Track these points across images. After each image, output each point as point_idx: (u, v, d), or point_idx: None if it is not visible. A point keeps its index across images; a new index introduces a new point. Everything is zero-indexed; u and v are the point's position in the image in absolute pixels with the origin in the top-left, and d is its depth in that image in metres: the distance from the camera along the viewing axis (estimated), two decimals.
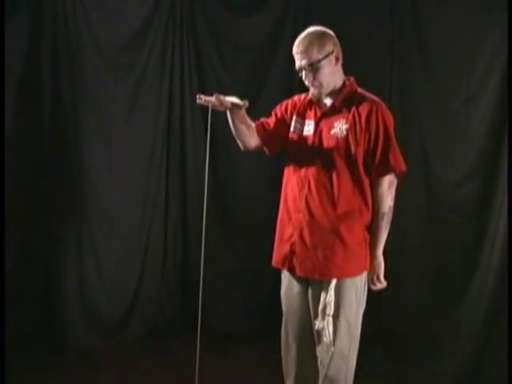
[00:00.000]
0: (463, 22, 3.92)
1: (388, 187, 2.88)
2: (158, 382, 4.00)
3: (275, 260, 3.09)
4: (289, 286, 3.08)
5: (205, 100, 2.91)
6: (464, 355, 3.86)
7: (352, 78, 2.99)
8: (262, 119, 3.17)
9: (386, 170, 2.87)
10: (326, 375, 2.90)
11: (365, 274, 2.94)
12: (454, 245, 4.00)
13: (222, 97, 2.92)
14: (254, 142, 3.13)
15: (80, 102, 4.41)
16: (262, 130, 3.13)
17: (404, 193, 4.06)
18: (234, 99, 2.96)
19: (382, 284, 2.93)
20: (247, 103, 2.95)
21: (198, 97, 2.92)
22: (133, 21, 4.57)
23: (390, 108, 4.13)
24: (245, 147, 3.15)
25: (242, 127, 3.06)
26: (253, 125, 3.12)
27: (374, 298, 4.01)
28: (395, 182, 2.90)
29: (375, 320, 4.18)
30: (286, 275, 3.09)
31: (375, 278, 2.92)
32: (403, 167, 2.89)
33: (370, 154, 2.87)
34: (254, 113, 4.69)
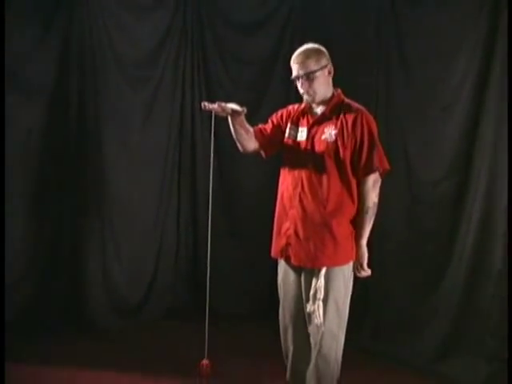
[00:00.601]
0: (440, 39, 4.14)
1: (372, 185, 3.04)
2: (171, 358, 4.20)
3: (274, 251, 3.25)
4: (285, 274, 3.24)
5: (208, 107, 3.09)
6: (440, 333, 4.08)
7: (339, 90, 3.15)
8: (260, 125, 3.31)
9: (371, 169, 3.02)
10: (318, 352, 3.08)
11: (351, 264, 3.11)
12: (432, 238, 4.21)
13: (223, 104, 3.09)
14: (252, 146, 3.27)
15: (102, 110, 4.65)
16: (260, 135, 3.27)
17: (388, 192, 4.18)
18: (234, 106, 3.12)
19: (366, 272, 3.10)
20: (245, 110, 3.12)
21: (202, 104, 3.11)
22: (149, 40, 4.83)
23: (375, 116, 4.26)
24: (243, 149, 3.28)
25: (242, 131, 3.20)
26: (251, 130, 3.25)
27: (362, 285, 4.21)
28: (379, 180, 3.07)
29: (363, 303, 4.43)
30: (282, 265, 3.25)
31: (359, 267, 3.08)
32: (387, 166, 3.07)
33: (356, 156, 3.02)
34: (255, 120, 4.92)
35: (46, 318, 4.51)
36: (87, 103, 4.63)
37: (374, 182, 3.07)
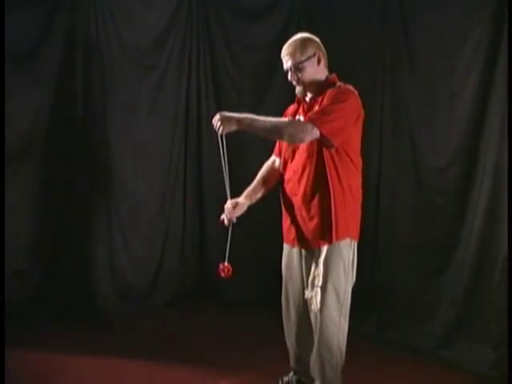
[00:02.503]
0: (446, 27, 4.10)
1: (293, 122, 3.00)
2: (178, 345, 4.24)
3: (285, 238, 3.30)
4: (289, 257, 3.29)
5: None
6: (446, 319, 4.09)
7: (334, 75, 3.14)
8: (276, 147, 3.36)
9: (308, 116, 2.96)
10: (320, 338, 3.10)
11: (352, 252, 3.11)
12: (439, 223, 4.19)
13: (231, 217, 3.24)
14: (279, 175, 3.30)
15: (109, 98, 4.69)
16: (280, 153, 3.32)
17: (395, 178, 4.39)
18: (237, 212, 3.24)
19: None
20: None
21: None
22: (155, 27, 4.85)
23: (382, 104, 4.38)
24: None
25: (264, 189, 3.34)
26: (261, 177, 3.36)
27: (368, 272, 4.38)
28: (307, 130, 2.90)
29: (369, 290, 4.46)
30: (286, 248, 3.32)
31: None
32: (321, 128, 2.90)
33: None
34: (263, 105, 4.99)
35: (52, 305, 4.57)
36: (93, 90, 4.66)
37: (298, 125, 2.98)
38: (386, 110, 4.52)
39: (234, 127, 2.95)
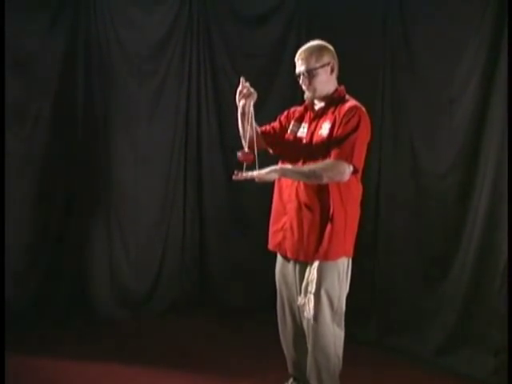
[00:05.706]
0: (446, 33, 4.11)
1: (332, 165, 2.96)
2: (177, 350, 4.23)
3: (271, 245, 3.31)
4: (283, 264, 3.30)
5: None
6: (446, 325, 4.07)
7: (342, 86, 3.18)
8: (267, 125, 3.37)
9: (338, 154, 2.96)
10: (315, 346, 3.11)
11: (347, 259, 3.13)
12: (439, 229, 4.18)
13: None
14: (259, 146, 3.24)
15: (109, 103, 4.69)
16: (268, 133, 3.35)
17: (395, 184, 4.39)
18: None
19: (246, 174, 2.95)
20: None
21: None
22: (156, 33, 4.83)
23: (382, 110, 4.38)
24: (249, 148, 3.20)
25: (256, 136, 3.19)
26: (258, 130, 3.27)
27: (367, 278, 4.37)
28: (342, 171, 2.96)
29: (369, 295, 4.45)
30: (279, 256, 3.32)
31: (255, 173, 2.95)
32: (356, 164, 2.98)
33: (333, 135, 3.01)
34: (262, 112, 4.93)
35: (51, 309, 4.56)
36: (94, 94, 4.66)
37: (335, 167, 2.98)
38: (386, 116, 4.51)
39: (275, 176, 3.06)
